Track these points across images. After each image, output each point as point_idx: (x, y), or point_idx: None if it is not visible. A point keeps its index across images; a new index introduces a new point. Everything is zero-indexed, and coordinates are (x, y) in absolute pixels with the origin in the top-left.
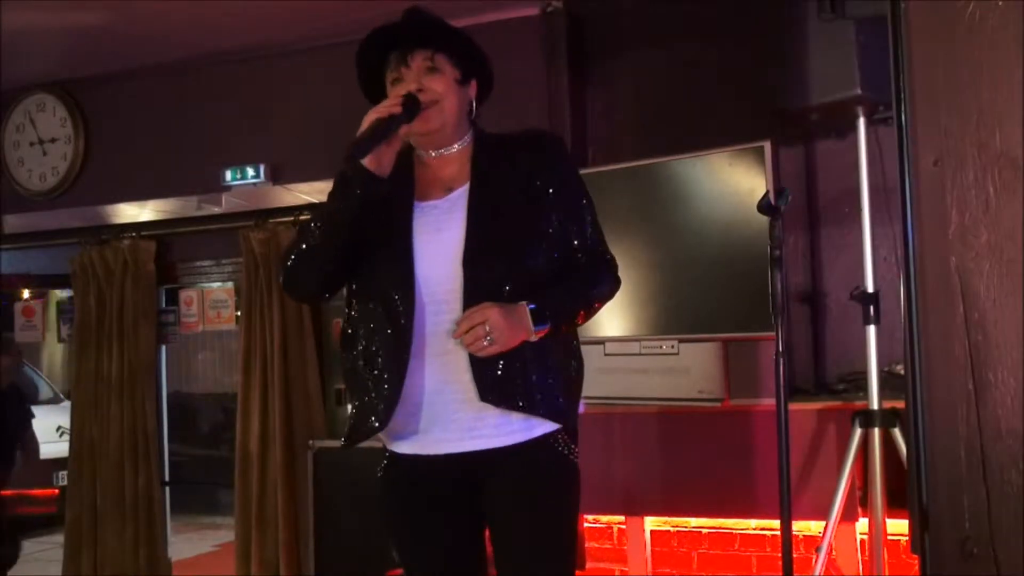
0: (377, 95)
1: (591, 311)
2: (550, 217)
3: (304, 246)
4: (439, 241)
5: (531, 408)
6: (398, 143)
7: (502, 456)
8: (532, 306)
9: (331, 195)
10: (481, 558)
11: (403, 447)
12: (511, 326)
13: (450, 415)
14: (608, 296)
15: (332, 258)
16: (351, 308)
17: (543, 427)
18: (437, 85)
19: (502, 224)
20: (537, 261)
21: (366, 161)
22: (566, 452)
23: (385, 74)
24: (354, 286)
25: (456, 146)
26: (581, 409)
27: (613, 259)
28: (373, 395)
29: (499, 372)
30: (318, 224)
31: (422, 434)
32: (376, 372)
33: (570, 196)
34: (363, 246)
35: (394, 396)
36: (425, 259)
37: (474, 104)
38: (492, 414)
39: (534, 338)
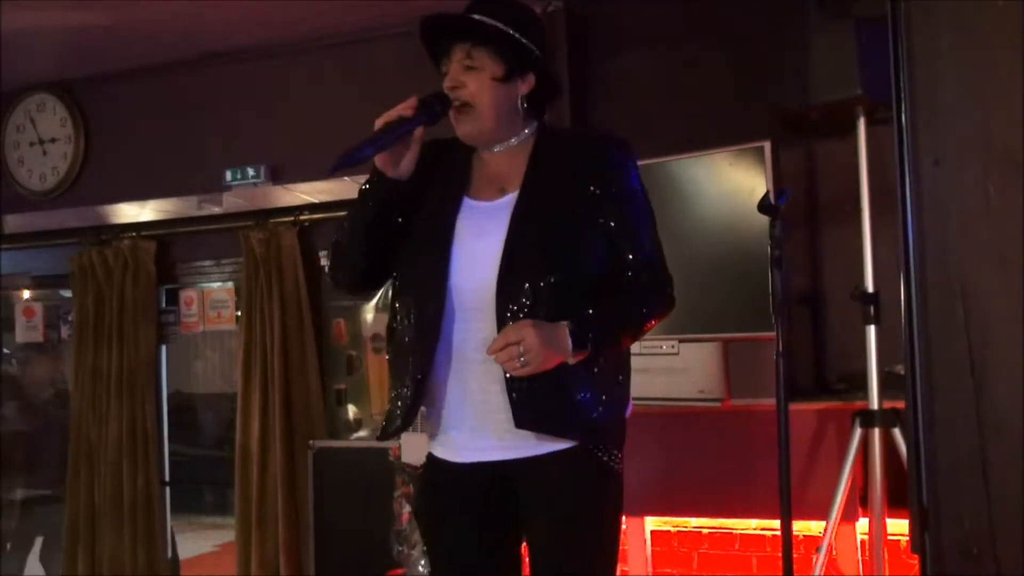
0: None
1: (638, 334)
2: (603, 228)
3: (336, 241)
4: (477, 249)
5: (568, 432)
6: (417, 145)
7: (536, 464)
8: (573, 329)
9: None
10: (513, 563)
11: (437, 450)
12: (547, 348)
13: (478, 425)
14: (660, 317)
15: (362, 254)
16: (394, 303)
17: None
18: (471, 84)
19: (545, 237)
20: (581, 275)
21: (378, 162)
22: (605, 458)
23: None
24: (397, 280)
25: (509, 144)
26: (628, 412)
27: (669, 277)
28: (400, 394)
29: (535, 397)
30: (345, 222)
31: (452, 440)
32: (405, 373)
33: (627, 207)
34: (407, 239)
35: (416, 400)
36: (461, 266)
37: (523, 100)
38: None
39: (572, 361)
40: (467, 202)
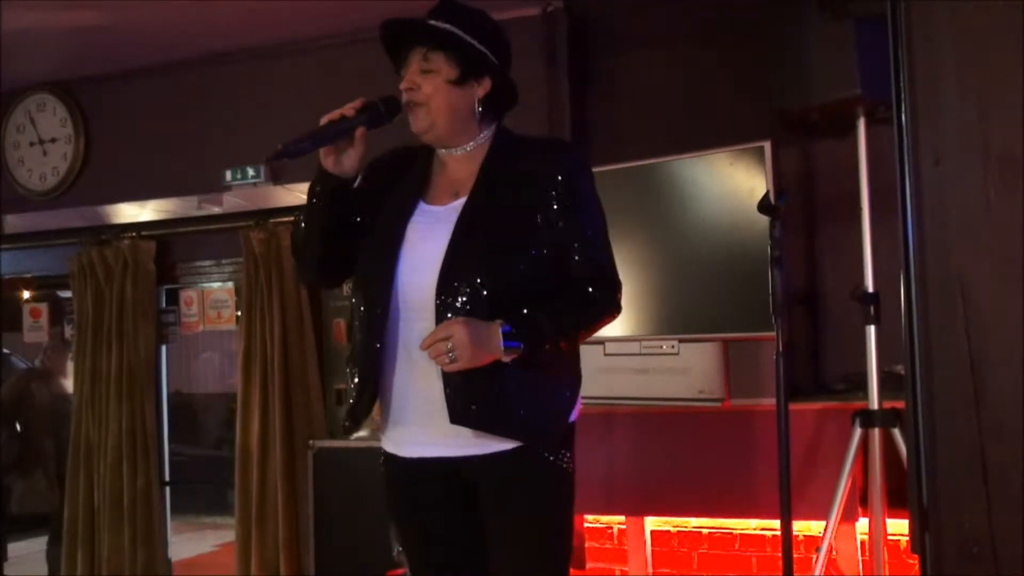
0: None
1: (578, 337)
2: (552, 235)
3: (292, 234)
4: (424, 250)
5: (502, 431)
6: (361, 145)
7: (486, 462)
8: (506, 327)
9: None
10: (481, 554)
11: (390, 446)
12: (476, 345)
13: (426, 421)
14: (602, 321)
15: (315, 248)
16: (352, 303)
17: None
18: (426, 86)
19: (490, 239)
20: (522, 282)
21: (321, 159)
22: (552, 458)
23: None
24: (353, 281)
25: (466, 147)
26: (574, 416)
27: (617, 282)
28: (354, 395)
29: (471, 394)
30: (300, 216)
31: (403, 436)
32: (356, 373)
33: (577, 211)
34: (364, 239)
35: (366, 398)
36: (406, 268)
37: (479, 104)
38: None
39: (505, 359)
40: (421, 206)
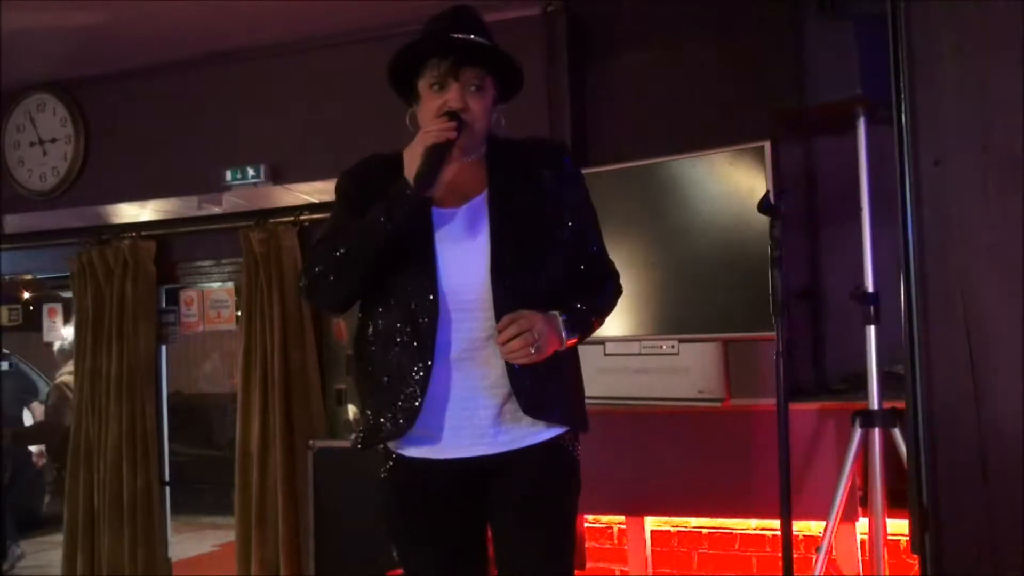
0: (398, 85)
1: (601, 322)
2: (564, 227)
3: (337, 259)
4: (463, 251)
5: (573, 422)
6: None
7: (512, 458)
8: (564, 316)
9: (366, 216)
10: (485, 557)
11: (411, 451)
12: (552, 335)
13: (464, 422)
14: (614, 305)
15: (366, 275)
16: (369, 316)
17: (554, 431)
18: (477, 107)
19: (524, 233)
20: (556, 269)
21: (419, 183)
22: (571, 450)
23: (420, 71)
24: (378, 296)
25: (472, 156)
26: None
27: (615, 267)
28: (392, 403)
29: (534, 385)
30: (349, 249)
31: (433, 439)
32: (397, 380)
33: (581, 207)
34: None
35: (417, 404)
36: (450, 269)
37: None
38: (507, 421)
39: (563, 348)
40: (436, 211)
